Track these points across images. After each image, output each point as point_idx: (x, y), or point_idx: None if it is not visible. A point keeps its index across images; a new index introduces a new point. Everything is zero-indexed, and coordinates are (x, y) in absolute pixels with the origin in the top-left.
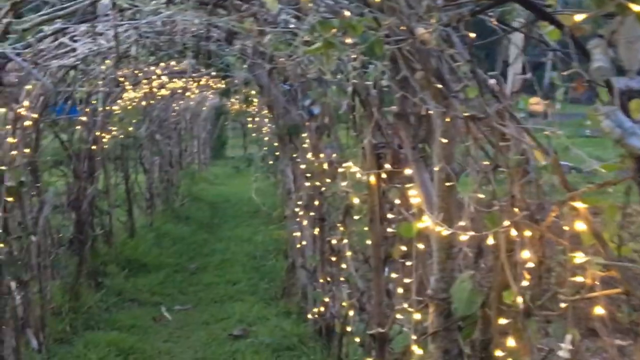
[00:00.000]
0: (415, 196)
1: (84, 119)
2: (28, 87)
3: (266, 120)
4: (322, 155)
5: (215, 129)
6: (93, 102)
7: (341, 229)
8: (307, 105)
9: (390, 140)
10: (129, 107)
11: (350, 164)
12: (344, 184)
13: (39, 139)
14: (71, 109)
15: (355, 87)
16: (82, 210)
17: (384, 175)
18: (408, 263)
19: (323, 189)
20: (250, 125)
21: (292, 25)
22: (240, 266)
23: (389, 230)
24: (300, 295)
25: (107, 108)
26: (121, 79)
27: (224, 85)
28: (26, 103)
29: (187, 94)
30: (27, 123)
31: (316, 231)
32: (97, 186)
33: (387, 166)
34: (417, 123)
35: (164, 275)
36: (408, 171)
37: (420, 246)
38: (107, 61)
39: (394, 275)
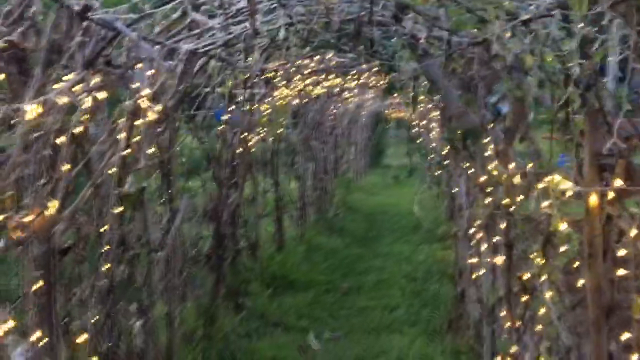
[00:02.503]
0: None
1: (227, 117)
2: (150, 72)
3: (433, 124)
4: (512, 166)
5: (374, 136)
6: (239, 99)
7: (538, 261)
8: (493, 103)
9: (622, 147)
10: (279, 106)
11: (557, 177)
12: (545, 203)
13: (172, 139)
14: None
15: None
16: (222, 221)
17: (610, 195)
18: None
19: (512, 208)
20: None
21: None
22: (399, 289)
23: (619, 271)
24: (471, 333)
25: (255, 107)
26: (271, 74)
27: (387, 82)
28: (146, 91)
29: (345, 94)
30: (151, 117)
31: (499, 260)
32: (242, 194)
33: (618, 182)
34: None
35: (313, 295)
36: None
37: None
38: (256, 53)
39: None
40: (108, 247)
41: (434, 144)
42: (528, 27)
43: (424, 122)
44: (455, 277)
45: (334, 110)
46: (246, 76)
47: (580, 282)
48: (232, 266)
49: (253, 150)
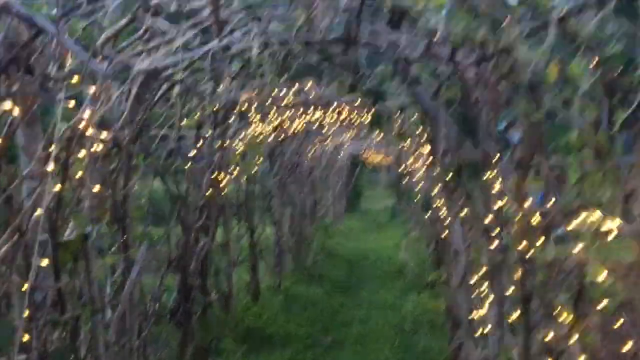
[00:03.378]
0: None
1: (193, 153)
2: (93, 88)
3: (420, 162)
4: (527, 203)
5: (352, 180)
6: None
7: (565, 317)
8: (501, 130)
9: None
10: (254, 144)
11: (597, 214)
12: (577, 248)
13: (128, 177)
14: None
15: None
16: (189, 270)
17: None
18: None
19: (530, 253)
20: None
21: None
22: (386, 342)
23: None
24: None
25: (226, 143)
26: (244, 107)
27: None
28: (87, 113)
29: (324, 132)
30: (96, 147)
31: (513, 315)
32: (213, 240)
33: None
34: None
35: (292, 352)
36: None
37: None
38: (226, 79)
39: None
40: (35, 308)
41: (421, 184)
42: (562, 27)
43: (410, 160)
44: (454, 330)
45: (311, 152)
46: (216, 107)
47: (627, 347)
48: (201, 321)
49: (225, 191)
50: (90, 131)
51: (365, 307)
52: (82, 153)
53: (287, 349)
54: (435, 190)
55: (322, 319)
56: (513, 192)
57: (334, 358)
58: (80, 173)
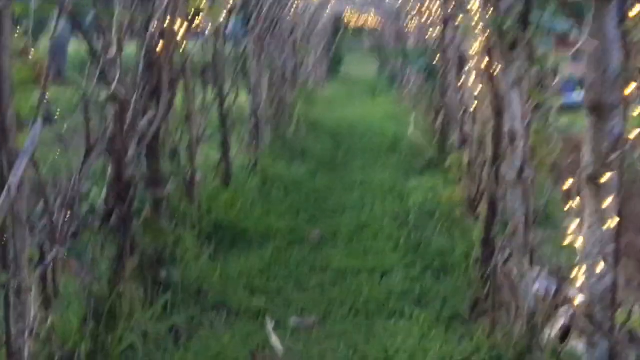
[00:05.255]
0: None
1: None
2: None
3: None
4: None
5: (333, 43)
6: None
7: None
8: None
9: None
10: None
11: None
12: None
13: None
14: None
15: None
16: (127, 156)
17: None
18: None
19: None
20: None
21: None
22: (387, 239)
23: None
24: (509, 316)
25: None
26: None
27: None
28: None
29: None
30: None
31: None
32: (169, 111)
33: None
34: None
35: (271, 253)
36: None
37: None
38: None
39: None
40: None
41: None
42: None
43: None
44: (487, 230)
45: (294, 6)
46: None
47: None
48: (150, 222)
49: (185, 48)
50: None
51: (357, 189)
52: None
53: (265, 247)
54: (476, 48)
55: (307, 205)
56: None
57: (324, 259)
58: None
